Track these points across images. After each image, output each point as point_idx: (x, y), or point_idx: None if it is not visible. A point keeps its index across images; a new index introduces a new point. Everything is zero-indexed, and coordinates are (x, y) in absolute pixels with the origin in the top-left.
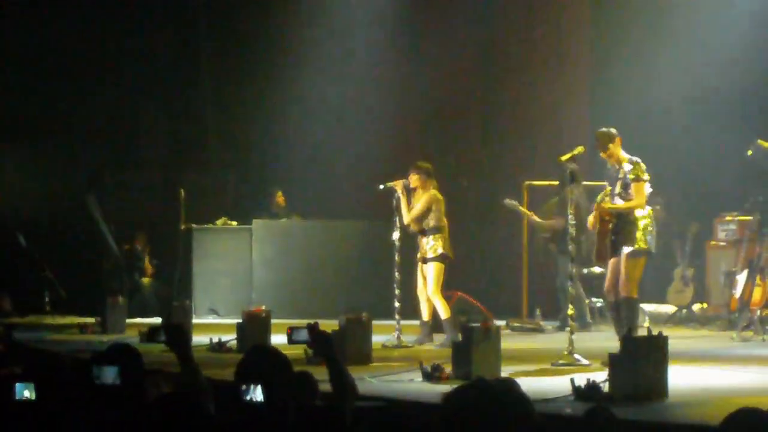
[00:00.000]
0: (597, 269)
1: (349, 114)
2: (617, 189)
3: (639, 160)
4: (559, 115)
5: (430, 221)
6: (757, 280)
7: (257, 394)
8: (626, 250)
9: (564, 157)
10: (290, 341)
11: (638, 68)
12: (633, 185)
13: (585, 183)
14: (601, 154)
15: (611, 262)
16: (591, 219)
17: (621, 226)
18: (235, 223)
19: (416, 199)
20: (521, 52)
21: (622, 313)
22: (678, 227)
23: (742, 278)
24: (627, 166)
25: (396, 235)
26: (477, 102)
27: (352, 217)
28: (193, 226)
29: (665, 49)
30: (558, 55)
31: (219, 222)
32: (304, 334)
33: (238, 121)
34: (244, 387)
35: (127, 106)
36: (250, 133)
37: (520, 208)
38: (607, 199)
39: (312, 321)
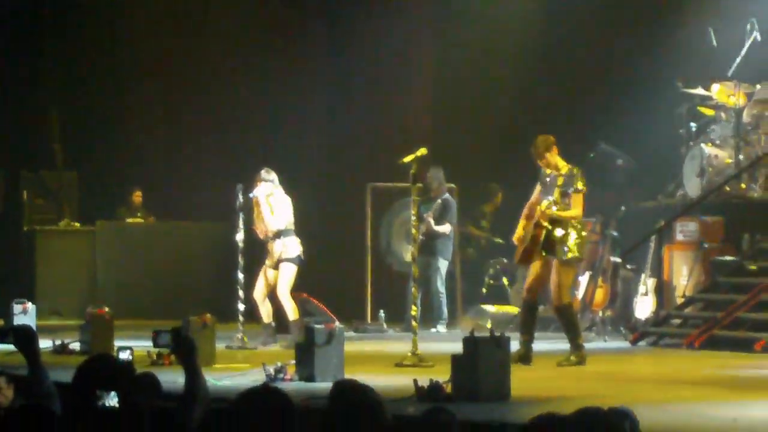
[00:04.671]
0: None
1: (195, 119)
2: (554, 196)
3: (579, 169)
4: (402, 115)
5: (285, 225)
6: (599, 282)
7: (112, 399)
8: (560, 257)
9: (407, 159)
10: (155, 344)
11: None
12: (573, 195)
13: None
14: (538, 162)
15: (534, 264)
16: (523, 220)
17: (556, 233)
18: (78, 224)
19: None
20: (365, 49)
21: (561, 321)
22: None
23: (584, 280)
24: (567, 175)
25: (240, 236)
26: (319, 105)
27: (196, 219)
28: (36, 227)
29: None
30: (402, 54)
31: (62, 224)
32: (167, 338)
33: (83, 120)
34: (98, 392)
35: None
36: (96, 133)
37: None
38: (544, 203)
39: (177, 325)
